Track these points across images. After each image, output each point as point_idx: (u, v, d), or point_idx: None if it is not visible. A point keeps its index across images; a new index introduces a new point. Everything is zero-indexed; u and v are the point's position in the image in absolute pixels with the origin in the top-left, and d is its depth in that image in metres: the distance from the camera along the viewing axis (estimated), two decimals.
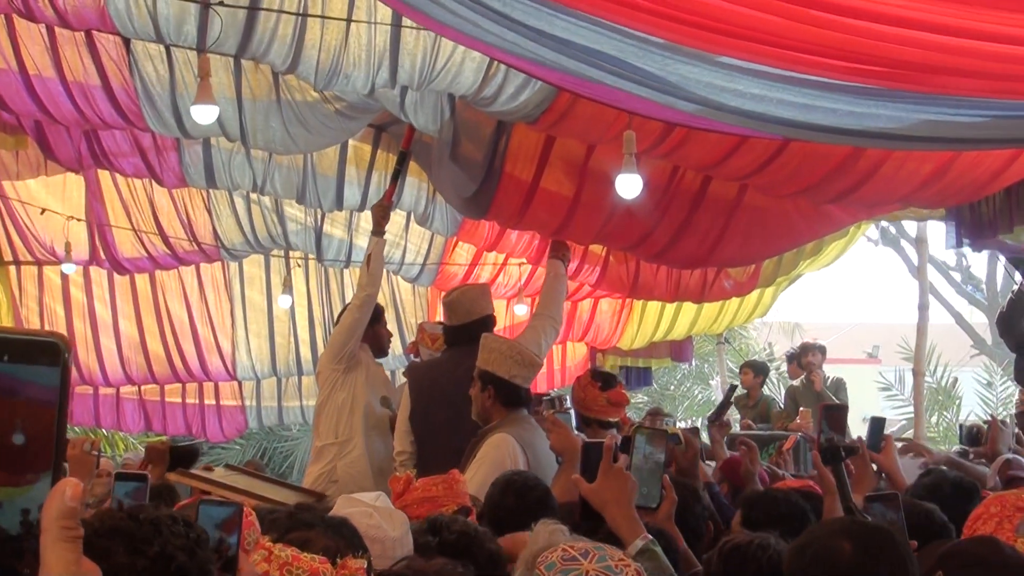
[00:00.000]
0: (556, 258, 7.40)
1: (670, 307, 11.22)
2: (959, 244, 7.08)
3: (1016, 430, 8.95)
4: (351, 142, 8.11)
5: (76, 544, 1.12)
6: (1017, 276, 9.20)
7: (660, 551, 3.26)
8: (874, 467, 4.92)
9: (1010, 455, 6.25)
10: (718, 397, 16.86)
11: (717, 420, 6.84)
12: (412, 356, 8.32)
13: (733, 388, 7.61)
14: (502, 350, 5.73)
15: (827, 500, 4.13)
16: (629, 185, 5.81)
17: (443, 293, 7.10)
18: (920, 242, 11.97)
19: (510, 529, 3.54)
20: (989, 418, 7.26)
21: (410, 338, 11.02)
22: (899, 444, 8.13)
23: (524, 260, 9.81)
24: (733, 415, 12.24)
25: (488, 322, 6.68)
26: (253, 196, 9.02)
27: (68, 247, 9.47)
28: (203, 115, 6.03)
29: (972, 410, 19.37)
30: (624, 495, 3.36)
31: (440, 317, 7.69)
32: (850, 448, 4.14)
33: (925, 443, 11.01)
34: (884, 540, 2.61)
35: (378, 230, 7.29)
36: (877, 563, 2.54)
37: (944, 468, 5.31)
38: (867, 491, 4.22)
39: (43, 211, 9.36)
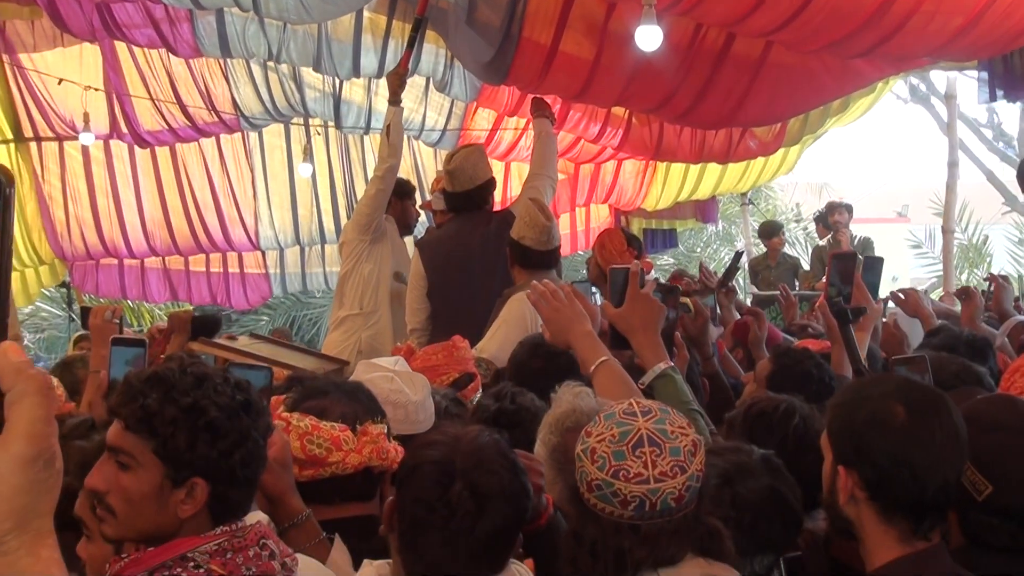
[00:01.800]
0: (542, 117, 7.26)
1: (695, 167, 11.10)
2: (992, 98, 6.91)
3: None
4: (366, 12, 7.95)
5: (49, 395, 1.08)
6: None
7: (680, 378, 3.27)
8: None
9: (1021, 317, 6.20)
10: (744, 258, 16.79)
11: (723, 287, 6.81)
12: (429, 213, 8.26)
13: (739, 255, 7.54)
14: (520, 212, 5.75)
15: (835, 350, 4.18)
16: (649, 37, 5.67)
17: (445, 158, 6.99)
18: (949, 98, 11.74)
19: (533, 391, 3.52)
20: (988, 277, 7.16)
21: None
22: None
23: None
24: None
25: (490, 186, 6.65)
26: (270, 64, 8.89)
27: (86, 117, 9.41)
28: None
29: (1002, 268, 19.26)
30: (651, 320, 3.34)
31: None
32: (857, 310, 4.11)
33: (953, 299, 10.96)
34: (938, 405, 2.52)
35: (394, 99, 7.20)
36: (931, 429, 2.46)
37: (951, 326, 5.27)
38: (870, 327, 4.25)
39: (60, 81, 9.27)
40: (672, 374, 3.24)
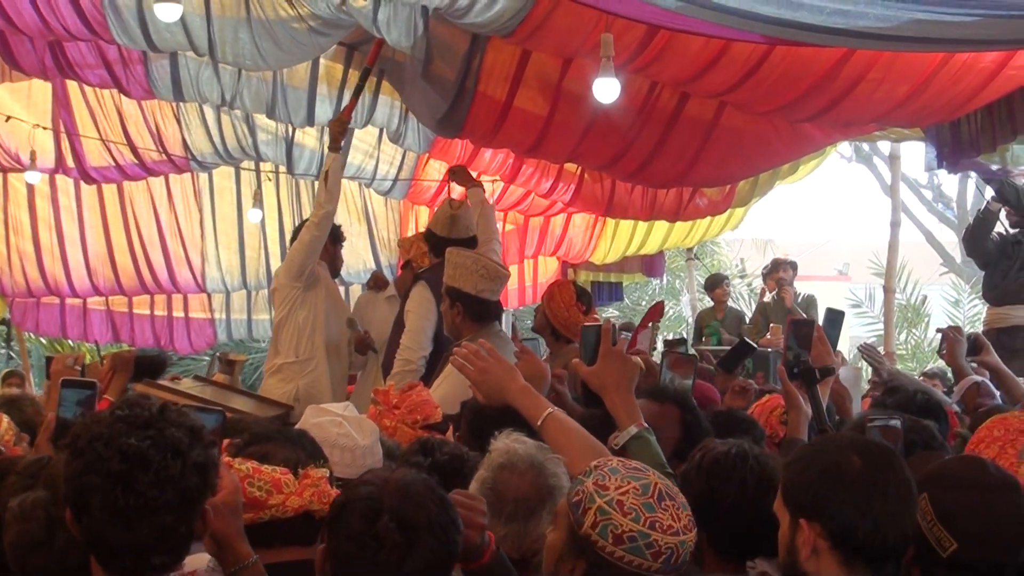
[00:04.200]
0: (475, 186, 7.60)
1: (643, 222, 11.17)
2: (940, 165, 7.03)
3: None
4: (323, 60, 7.96)
5: None
6: (988, 192, 9.17)
7: (653, 440, 3.27)
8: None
9: (977, 378, 6.21)
10: (687, 313, 16.88)
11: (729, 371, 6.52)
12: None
13: (745, 344, 6.90)
14: (467, 265, 5.76)
15: (791, 415, 4.12)
16: (607, 90, 5.71)
17: (448, 202, 7.18)
18: (893, 159, 11.89)
19: (488, 435, 3.53)
20: (939, 330, 7.12)
21: (383, 251, 11.04)
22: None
23: (497, 178, 9.71)
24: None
25: (475, 243, 6.81)
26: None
27: (33, 155, 9.24)
28: (167, 13, 5.90)
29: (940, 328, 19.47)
30: (624, 378, 3.34)
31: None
32: (825, 370, 4.11)
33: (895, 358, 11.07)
34: (890, 458, 2.63)
35: (335, 146, 7.23)
36: (885, 479, 2.55)
37: (907, 387, 5.30)
38: (830, 383, 4.25)
39: (8, 119, 9.14)
40: (647, 436, 3.25)
